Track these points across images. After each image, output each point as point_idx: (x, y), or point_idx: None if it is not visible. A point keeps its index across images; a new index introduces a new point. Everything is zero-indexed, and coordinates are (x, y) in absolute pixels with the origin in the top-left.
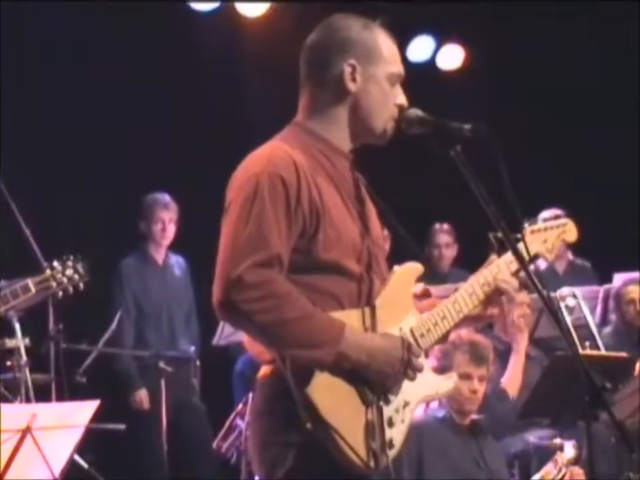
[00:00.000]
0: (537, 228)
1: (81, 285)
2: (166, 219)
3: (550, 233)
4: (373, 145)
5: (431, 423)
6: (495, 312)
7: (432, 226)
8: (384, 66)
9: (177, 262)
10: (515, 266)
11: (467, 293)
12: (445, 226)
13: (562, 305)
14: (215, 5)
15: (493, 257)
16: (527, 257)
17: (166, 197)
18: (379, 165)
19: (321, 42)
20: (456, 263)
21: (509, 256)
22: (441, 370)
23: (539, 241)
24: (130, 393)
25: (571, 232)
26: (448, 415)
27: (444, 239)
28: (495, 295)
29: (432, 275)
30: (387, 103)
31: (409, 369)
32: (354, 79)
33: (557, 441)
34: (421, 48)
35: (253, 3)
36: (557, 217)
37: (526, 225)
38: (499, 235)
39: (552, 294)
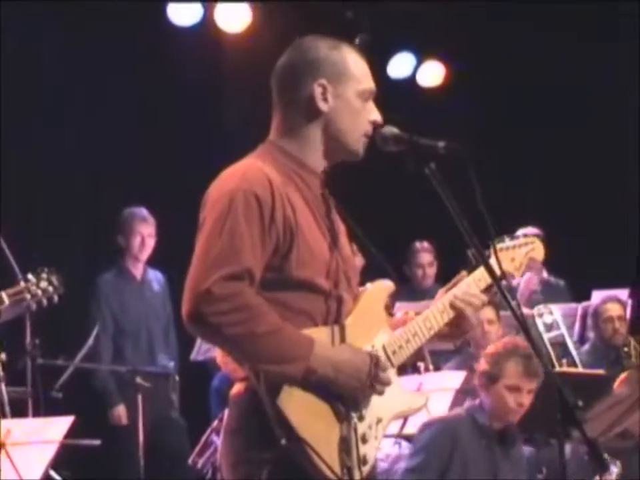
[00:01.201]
0: (505, 246)
1: (55, 298)
2: (145, 233)
3: (518, 252)
4: (346, 162)
5: (469, 427)
6: (467, 327)
7: (412, 245)
8: (354, 83)
9: (156, 277)
10: (483, 283)
11: (438, 310)
12: (425, 244)
13: (540, 322)
14: (196, 20)
15: (462, 274)
16: (499, 274)
17: (144, 211)
18: (352, 181)
19: (290, 63)
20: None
21: (477, 274)
22: (490, 377)
23: (507, 259)
24: (108, 409)
25: (538, 250)
26: (487, 424)
27: (427, 258)
28: (464, 311)
29: (413, 292)
30: (360, 120)
31: (376, 383)
32: (325, 99)
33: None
34: (401, 65)
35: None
36: (525, 236)
37: (495, 242)
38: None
39: (529, 310)
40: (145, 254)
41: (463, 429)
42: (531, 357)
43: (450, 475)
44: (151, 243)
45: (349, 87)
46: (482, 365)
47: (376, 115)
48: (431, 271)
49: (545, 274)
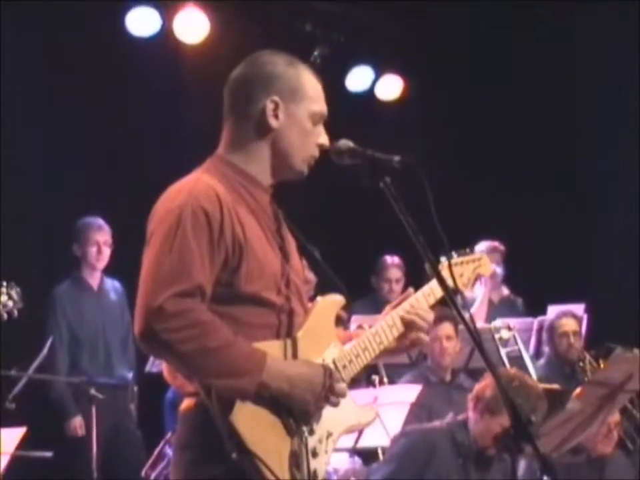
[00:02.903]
0: (453, 262)
1: (15, 312)
2: (101, 241)
3: (466, 267)
4: (289, 181)
5: (447, 443)
6: (416, 341)
7: (382, 258)
8: (307, 104)
9: (113, 286)
10: (432, 299)
11: (388, 325)
12: (396, 260)
13: (496, 336)
14: (154, 30)
15: (410, 290)
16: (452, 287)
17: (99, 220)
18: (323, 189)
19: (245, 76)
20: None
21: (426, 289)
22: (488, 408)
23: (456, 275)
24: (65, 420)
25: (485, 266)
26: (466, 442)
27: (395, 274)
28: (413, 327)
29: (377, 303)
30: (308, 141)
31: (331, 395)
32: (276, 116)
33: None
34: (359, 78)
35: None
36: (472, 252)
37: (442, 258)
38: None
39: (486, 325)
40: (102, 262)
41: (441, 444)
42: (536, 409)
43: None
44: (107, 251)
45: (301, 107)
46: (486, 389)
47: (324, 139)
48: (398, 287)
49: (505, 291)
